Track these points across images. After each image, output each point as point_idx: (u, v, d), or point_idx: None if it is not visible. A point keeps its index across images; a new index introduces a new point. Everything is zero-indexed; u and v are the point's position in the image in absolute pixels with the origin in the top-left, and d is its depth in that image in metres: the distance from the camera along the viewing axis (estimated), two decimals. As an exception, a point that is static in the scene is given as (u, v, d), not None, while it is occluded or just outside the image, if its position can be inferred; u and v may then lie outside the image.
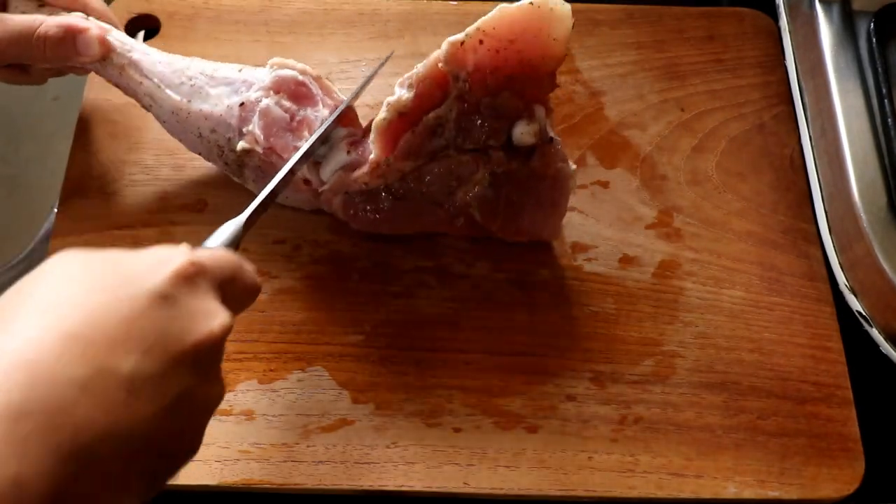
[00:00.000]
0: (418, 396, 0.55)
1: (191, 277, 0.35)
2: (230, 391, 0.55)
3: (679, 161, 0.64)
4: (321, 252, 0.60)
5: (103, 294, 0.33)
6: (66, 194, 0.62)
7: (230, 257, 0.40)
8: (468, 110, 0.53)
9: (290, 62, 0.57)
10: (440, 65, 0.52)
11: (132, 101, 0.60)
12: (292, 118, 0.56)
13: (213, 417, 0.53)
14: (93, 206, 0.61)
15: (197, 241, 0.59)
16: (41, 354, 0.31)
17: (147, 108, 0.59)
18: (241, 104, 0.56)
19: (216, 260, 0.38)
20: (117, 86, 0.59)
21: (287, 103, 0.56)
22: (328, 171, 0.56)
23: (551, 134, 0.54)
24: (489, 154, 0.55)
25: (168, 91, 0.57)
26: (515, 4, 0.51)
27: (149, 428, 0.33)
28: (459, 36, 0.52)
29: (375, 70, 0.62)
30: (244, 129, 0.56)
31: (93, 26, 0.56)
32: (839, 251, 0.57)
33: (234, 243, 0.45)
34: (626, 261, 0.60)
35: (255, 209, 0.48)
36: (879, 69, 0.58)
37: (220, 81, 0.57)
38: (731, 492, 0.52)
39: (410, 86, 0.53)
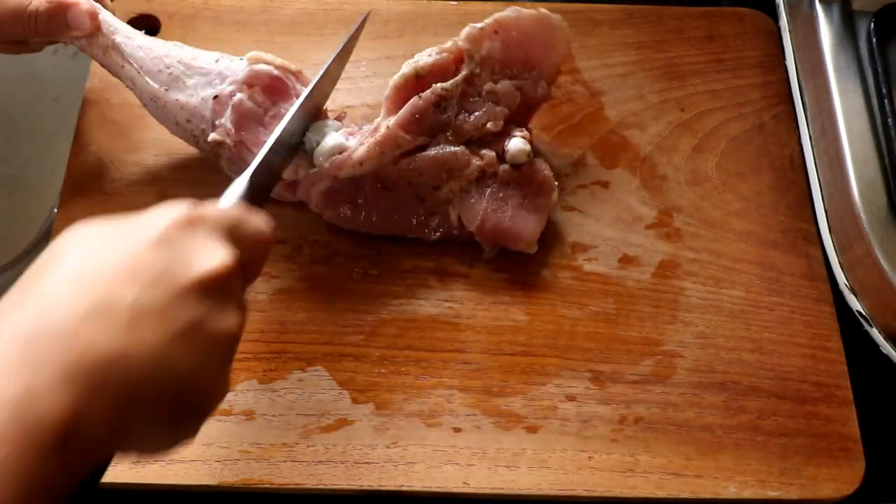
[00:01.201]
0: (418, 396, 0.55)
1: (189, 223, 0.37)
2: (230, 391, 0.55)
3: (679, 161, 0.64)
4: (321, 252, 0.60)
5: (109, 243, 0.36)
6: (66, 194, 0.62)
7: (231, 207, 0.43)
8: (472, 94, 0.58)
9: (268, 57, 0.58)
10: (460, 43, 0.58)
11: (132, 101, 0.60)
12: (265, 112, 0.57)
13: (213, 418, 0.53)
14: (93, 206, 0.61)
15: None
16: (50, 291, 0.33)
17: (130, 89, 0.59)
18: (215, 97, 0.56)
19: (216, 209, 0.40)
20: (103, 65, 0.59)
21: (260, 97, 0.57)
22: (323, 154, 0.56)
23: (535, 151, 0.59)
24: (483, 155, 0.57)
25: (147, 78, 0.57)
26: (526, 10, 0.58)
27: (159, 355, 0.33)
28: (479, 24, 0.58)
29: (355, 29, 0.61)
30: (217, 122, 0.57)
31: (83, 1, 0.56)
32: (839, 251, 0.57)
33: (245, 197, 0.46)
34: (626, 261, 0.60)
35: (257, 166, 0.49)
36: (879, 69, 0.58)
37: (196, 71, 0.57)
38: (731, 492, 0.52)
39: (430, 55, 0.58)
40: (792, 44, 0.65)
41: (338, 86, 0.66)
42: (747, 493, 0.52)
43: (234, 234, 0.39)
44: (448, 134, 0.57)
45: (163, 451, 0.38)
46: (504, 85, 0.58)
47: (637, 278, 0.59)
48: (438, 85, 0.57)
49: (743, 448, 0.54)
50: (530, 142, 0.58)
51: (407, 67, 0.57)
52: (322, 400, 0.55)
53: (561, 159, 0.64)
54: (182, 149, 0.63)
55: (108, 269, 0.34)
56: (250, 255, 0.40)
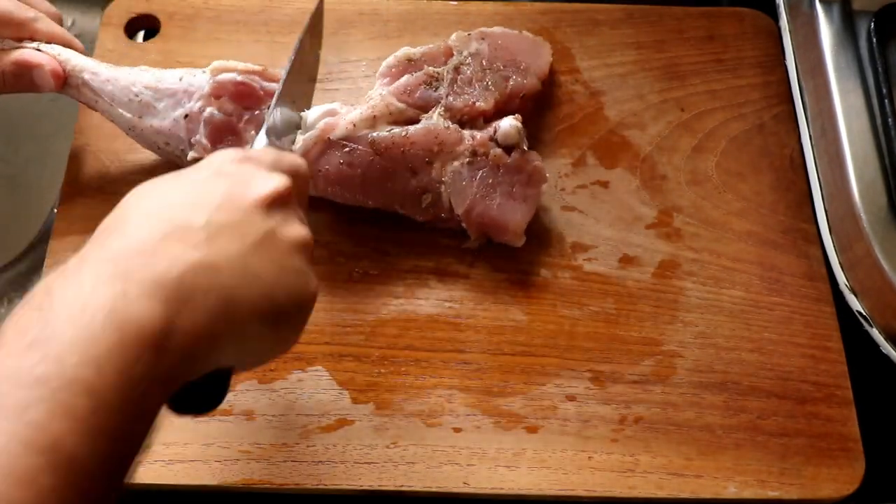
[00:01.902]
0: (418, 396, 0.55)
1: (239, 160, 0.41)
2: (230, 391, 0.54)
3: (679, 161, 0.64)
4: (321, 252, 0.60)
5: (173, 186, 0.39)
6: (66, 194, 0.62)
7: (269, 150, 0.48)
8: (461, 81, 0.60)
9: (231, 64, 0.58)
10: (449, 42, 0.62)
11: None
12: (238, 119, 0.57)
13: (213, 418, 0.54)
14: (93, 206, 0.61)
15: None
16: (129, 225, 0.37)
17: (111, 122, 0.59)
18: (186, 116, 0.57)
19: (258, 151, 0.45)
20: (82, 102, 0.59)
21: (230, 106, 0.57)
22: (316, 117, 0.57)
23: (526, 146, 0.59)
24: (475, 136, 0.58)
25: (120, 109, 0.58)
26: (510, 31, 0.64)
27: (241, 262, 0.37)
28: (466, 32, 0.63)
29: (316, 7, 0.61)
30: (193, 140, 0.57)
31: (45, 60, 0.57)
32: (839, 251, 0.57)
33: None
34: (626, 261, 0.60)
35: (268, 124, 0.51)
36: (879, 69, 0.58)
37: (163, 94, 0.58)
38: (731, 492, 0.52)
39: (420, 49, 0.62)
40: (792, 44, 0.65)
41: (337, 86, 0.66)
42: (747, 493, 0.52)
43: (276, 167, 0.42)
44: (440, 111, 0.58)
45: (266, 359, 0.42)
46: (493, 75, 0.61)
47: (637, 278, 0.59)
48: (430, 68, 0.60)
49: (743, 448, 0.54)
50: (523, 132, 0.58)
51: (397, 55, 0.61)
52: (322, 400, 0.55)
53: (561, 159, 0.64)
54: (182, 149, 0.63)
55: (178, 203, 0.38)
56: (295, 184, 0.43)
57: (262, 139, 0.50)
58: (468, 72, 0.60)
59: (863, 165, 0.56)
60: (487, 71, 0.61)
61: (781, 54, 0.68)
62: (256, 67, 0.58)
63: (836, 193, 0.57)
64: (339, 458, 0.53)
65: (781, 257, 0.60)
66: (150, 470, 0.52)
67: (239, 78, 0.57)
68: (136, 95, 0.58)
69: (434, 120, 0.58)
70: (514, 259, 0.59)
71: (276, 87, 0.57)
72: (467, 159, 0.58)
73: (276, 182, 0.40)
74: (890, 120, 0.56)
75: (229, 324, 0.36)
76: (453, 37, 0.62)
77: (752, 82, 0.68)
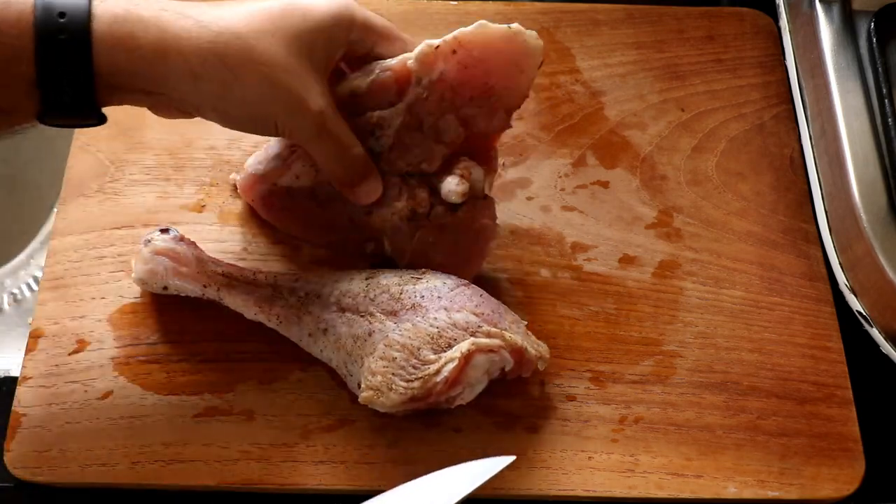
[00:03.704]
0: (418, 396, 0.55)
1: None
2: (230, 392, 0.55)
3: (679, 161, 0.64)
4: (321, 252, 0.60)
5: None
6: (66, 194, 0.61)
7: None
8: (412, 125, 0.53)
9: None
10: (409, 62, 0.51)
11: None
12: None
13: (213, 418, 0.53)
14: (93, 206, 0.61)
15: (196, 240, 0.59)
16: None
17: None
18: None
19: None
20: None
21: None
22: (256, 161, 0.58)
23: (487, 192, 0.55)
24: (415, 193, 0.54)
25: None
26: (495, 25, 0.51)
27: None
28: (436, 41, 0.51)
29: None
30: None
31: None
32: (839, 251, 0.57)
33: None
34: (626, 261, 0.60)
35: None
36: (879, 69, 0.58)
37: None
38: (731, 492, 0.52)
39: (371, 71, 0.52)
40: (792, 44, 0.65)
41: (338, 86, 0.66)
42: (747, 493, 0.52)
43: None
44: (380, 164, 0.54)
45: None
46: (448, 121, 0.52)
47: (637, 278, 0.59)
48: (376, 113, 0.52)
49: (743, 448, 0.54)
50: (470, 179, 0.53)
51: (340, 87, 0.53)
52: (322, 400, 0.54)
53: (561, 159, 0.64)
54: (182, 149, 0.63)
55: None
56: None
57: None
58: (422, 111, 0.52)
59: (863, 165, 0.56)
60: (446, 111, 0.52)
61: (781, 54, 0.68)
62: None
63: (836, 193, 0.57)
64: (339, 458, 0.53)
65: (781, 257, 0.60)
66: (150, 470, 0.52)
67: None
68: None
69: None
70: (514, 259, 0.59)
71: None
72: (408, 215, 0.54)
73: None
74: (890, 120, 0.56)
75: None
76: (417, 52, 0.51)
77: (752, 82, 0.68)
